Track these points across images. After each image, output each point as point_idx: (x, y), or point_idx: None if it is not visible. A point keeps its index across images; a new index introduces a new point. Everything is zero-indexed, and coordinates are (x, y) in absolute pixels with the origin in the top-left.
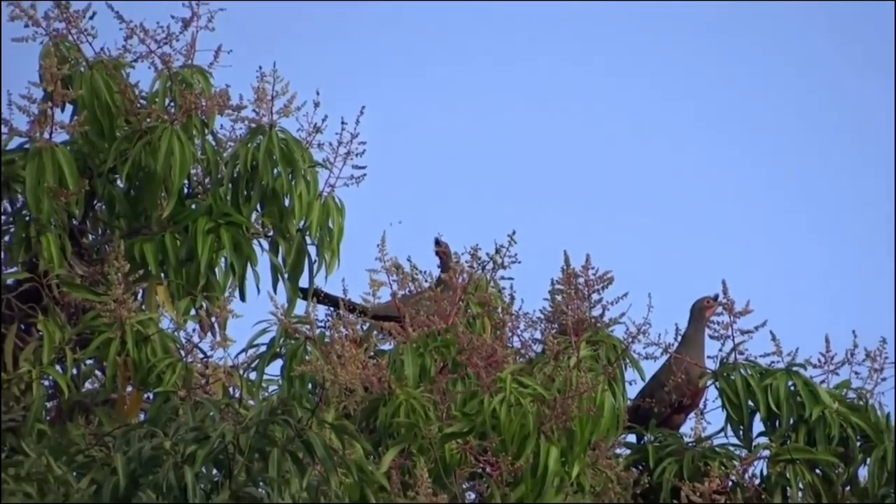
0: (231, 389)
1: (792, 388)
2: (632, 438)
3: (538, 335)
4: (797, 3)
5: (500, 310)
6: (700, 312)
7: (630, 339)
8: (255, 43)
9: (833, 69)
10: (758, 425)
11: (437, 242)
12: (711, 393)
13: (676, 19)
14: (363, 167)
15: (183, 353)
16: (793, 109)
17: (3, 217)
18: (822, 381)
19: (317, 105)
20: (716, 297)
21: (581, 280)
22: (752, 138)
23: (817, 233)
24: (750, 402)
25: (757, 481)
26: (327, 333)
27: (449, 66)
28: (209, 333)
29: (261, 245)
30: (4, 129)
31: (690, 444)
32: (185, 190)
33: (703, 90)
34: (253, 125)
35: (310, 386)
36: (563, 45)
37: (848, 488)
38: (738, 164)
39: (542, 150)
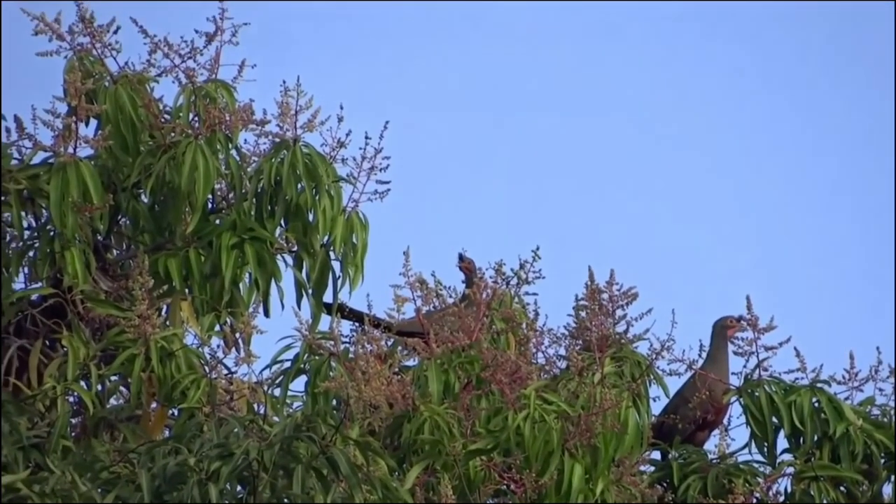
0: (255, 406)
1: (816, 404)
2: (656, 455)
3: (562, 351)
4: (797, 3)
5: (524, 326)
6: (722, 331)
7: (654, 356)
8: (279, 57)
9: (833, 69)
10: (782, 442)
11: (461, 258)
12: (735, 409)
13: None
14: (387, 182)
15: (207, 369)
16: (812, 113)
17: (27, 232)
18: (847, 398)
19: (340, 120)
20: (739, 318)
21: (605, 296)
22: (776, 145)
23: (842, 248)
24: (774, 419)
25: (781, 498)
26: (351, 349)
27: (472, 71)
28: (233, 349)
29: (285, 260)
30: (29, 144)
31: (715, 461)
32: (210, 205)
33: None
34: (277, 140)
35: (334, 402)
36: (590, 41)
37: None
38: (762, 177)
39: (567, 163)
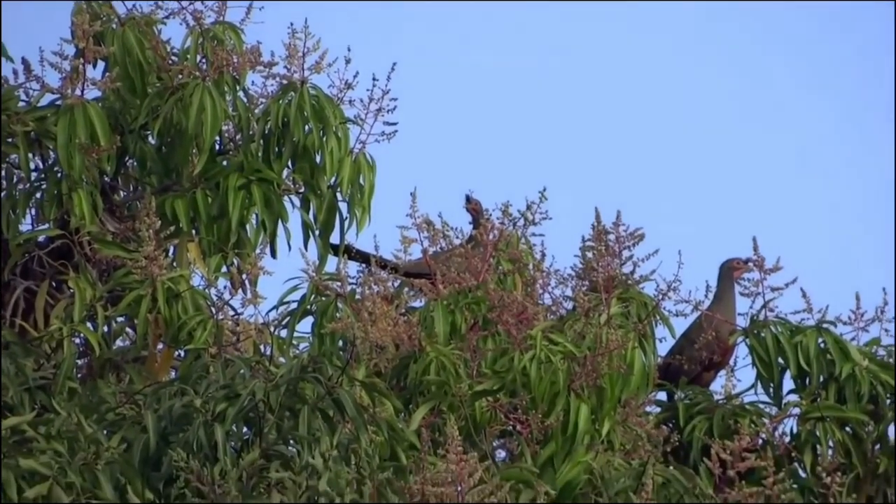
0: (262, 347)
1: (822, 345)
2: (662, 396)
3: (569, 292)
4: (798, 2)
5: (530, 267)
6: (728, 272)
7: (660, 296)
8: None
9: (833, 69)
10: (788, 383)
11: (468, 199)
12: (741, 350)
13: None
14: (394, 123)
15: (214, 310)
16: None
17: (34, 174)
18: (853, 339)
19: (348, 61)
20: (746, 260)
21: (612, 237)
22: (784, 93)
23: (847, 190)
24: (780, 360)
25: (787, 439)
26: (358, 290)
27: (479, 15)
28: (240, 290)
29: (292, 202)
30: (37, 86)
31: (720, 402)
32: (217, 146)
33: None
34: (284, 82)
35: (340, 343)
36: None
37: (878, 446)
38: (769, 116)
39: (574, 105)
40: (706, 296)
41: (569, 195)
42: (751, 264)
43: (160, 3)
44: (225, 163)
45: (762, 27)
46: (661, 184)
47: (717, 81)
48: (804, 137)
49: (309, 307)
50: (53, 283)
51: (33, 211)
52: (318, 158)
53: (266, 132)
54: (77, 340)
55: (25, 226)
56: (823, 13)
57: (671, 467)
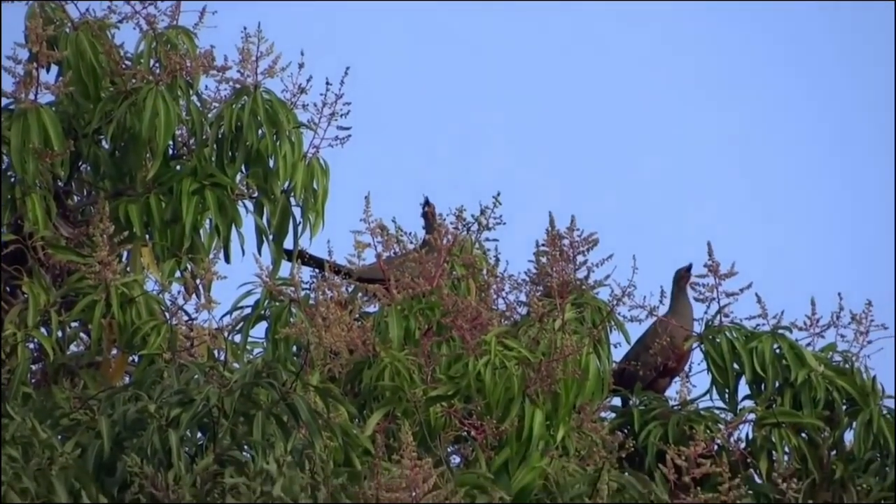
0: (216, 352)
1: (777, 350)
2: (617, 402)
3: (523, 297)
4: (798, 2)
5: (484, 272)
6: (679, 282)
7: (615, 302)
8: (238, 3)
9: (832, 69)
10: (743, 388)
11: (427, 202)
12: (696, 356)
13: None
14: (348, 128)
15: (168, 315)
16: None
17: None
18: (808, 345)
19: (301, 66)
20: (688, 268)
21: (566, 241)
22: (743, 91)
23: (803, 192)
24: (735, 365)
25: (742, 445)
26: (312, 295)
27: (432, 16)
28: (194, 295)
29: (245, 206)
30: None
31: (676, 408)
32: (170, 151)
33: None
34: (237, 86)
35: (294, 348)
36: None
37: (834, 452)
38: (725, 117)
39: (526, 106)
40: (661, 301)
41: (524, 201)
42: (692, 273)
43: (114, 7)
44: (178, 167)
45: (760, 28)
46: (615, 188)
47: (655, 83)
48: (763, 138)
49: (263, 312)
50: (7, 288)
51: None
52: (271, 163)
53: (219, 136)
54: (31, 345)
55: None
56: (824, 13)
57: (626, 473)
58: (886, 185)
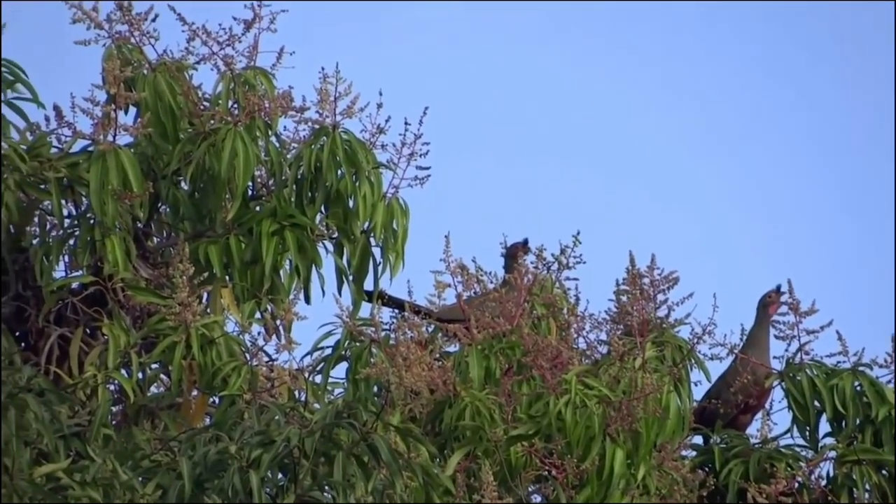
0: (296, 393)
1: (858, 388)
2: (698, 440)
3: (603, 336)
4: (798, 2)
5: (565, 311)
6: (764, 310)
7: (695, 340)
8: (318, 44)
9: (832, 68)
10: (824, 426)
11: (525, 244)
12: (777, 394)
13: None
14: (427, 168)
15: (248, 356)
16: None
17: (67, 220)
18: (889, 381)
19: (380, 106)
20: (778, 290)
21: (646, 280)
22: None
23: (880, 229)
24: (816, 403)
25: (823, 482)
26: (392, 336)
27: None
28: (274, 336)
29: (325, 247)
30: (69, 133)
31: (757, 446)
32: (250, 192)
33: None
34: (316, 126)
35: (375, 389)
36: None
37: None
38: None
39: (607, 145)
40: (741, 339)
41: (604, 238)
42: (782, 294)
43: (191, 48)
44: (258, 208)
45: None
46: (693, 226)
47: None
48: (830, 166)
49: (343, 353)
50: (87, 330)
51: (66, 258)
52: (350, 203)
53: (298, 177)
54: (111, 387)
55: (59, 273)
56: (823, 14)
57: None
58: None
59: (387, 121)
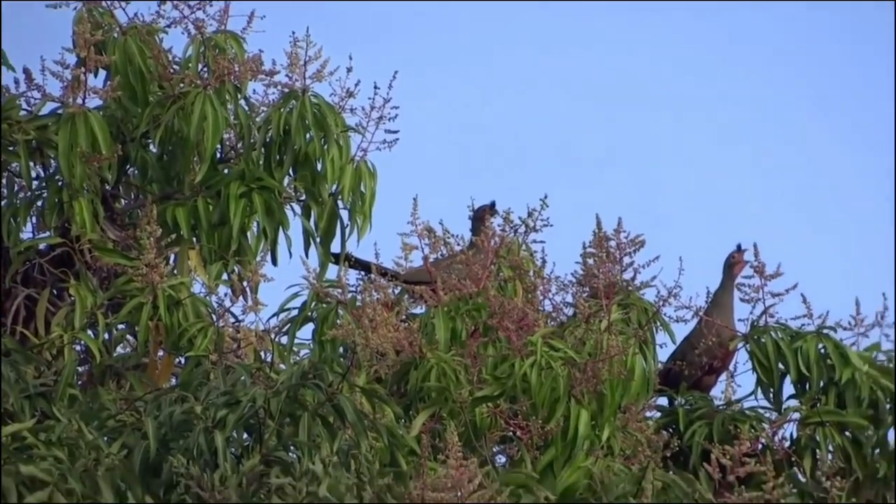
0: (262, 354)
1: (822, 350)
2: (662, 401)
3: (569, 299)
4: (798, 2)
5: (531, 273)
6: (729, 270)
7: (661, 303)
8: (287, 8)
9: (832, 68)
10: (788, 388)
11: (493, 206)
12: (742, 356)
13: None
14: (396, 131)
15: (214, 317)
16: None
17: (35, 182)
18: (853, 344)
19: (349, 70)
20: (738, 248)
21: (612, 243)
22: (786, 103)
23: (846, 195)
24: (780, 365)
25: (787, 444)
26: (359, 297)
27: (479, 25)
28: (241, 298)
29: (293, 209)
30: (38, 95)
31: (721, 407)
32: (218, 155)
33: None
34: (286, 90)
35: (341, 350)
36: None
37: (877, 451)
38: (767, 123)
39: (575, 111)
40: (706, 301)
41: (570, 200)
42: (744, 251)
43: (162, 11)
44: (226, 171)
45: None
46: (661, 188)
47: (713, 82)
48: (805, 141)
49: (310, 314)
50: (54, 291)
51: (34, 219)
52: (319, 166)
53: (267, 140)
54: (78, 348)
55: (26, 234)
56: (822, 14)
57: (671, 472)
58: None
59: (356, 84)
